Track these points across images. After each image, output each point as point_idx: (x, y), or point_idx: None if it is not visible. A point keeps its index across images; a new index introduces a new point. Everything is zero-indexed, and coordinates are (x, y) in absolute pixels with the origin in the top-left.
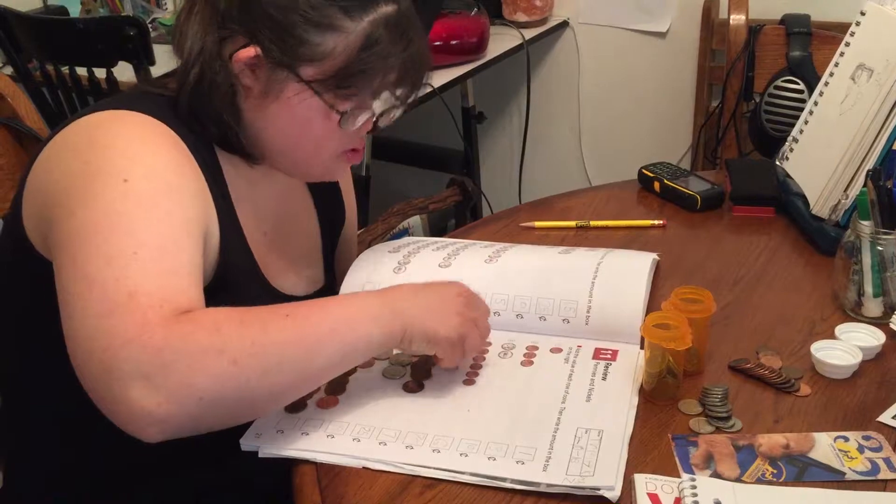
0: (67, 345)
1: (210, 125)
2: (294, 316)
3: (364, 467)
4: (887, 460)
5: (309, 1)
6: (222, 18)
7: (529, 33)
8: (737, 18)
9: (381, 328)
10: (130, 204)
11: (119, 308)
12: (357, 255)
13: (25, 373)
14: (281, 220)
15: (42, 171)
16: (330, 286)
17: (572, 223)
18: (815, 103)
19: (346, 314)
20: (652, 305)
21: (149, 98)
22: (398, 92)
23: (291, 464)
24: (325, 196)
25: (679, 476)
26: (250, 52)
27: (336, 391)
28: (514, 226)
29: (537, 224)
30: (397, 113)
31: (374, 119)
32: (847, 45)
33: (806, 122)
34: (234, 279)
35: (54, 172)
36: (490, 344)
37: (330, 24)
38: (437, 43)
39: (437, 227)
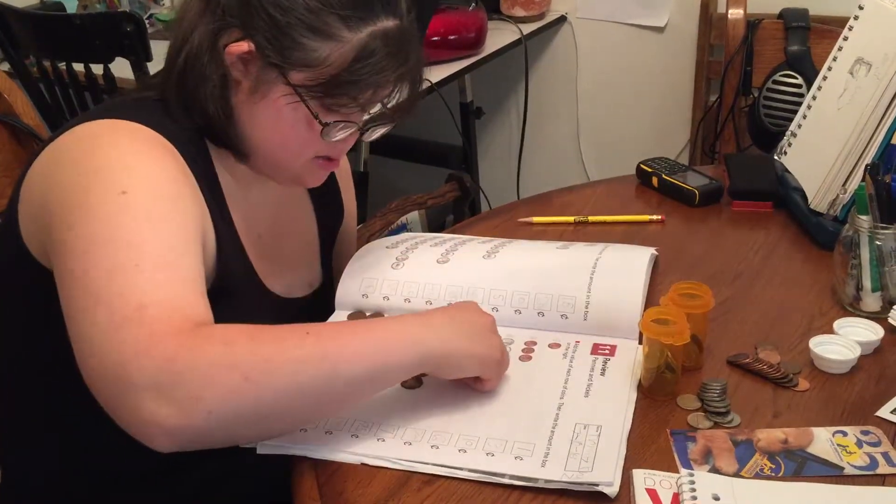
0: (77, 356)
1: (197, 115)
2: (316, 334)
3: (362, 463)
4: (886, 455)
5: (308, 5)
6: (222, 10)
7: (527, 28)
8: (735, 13)
9: (420, 352)
10: (130, 216)
11: (127, 321)
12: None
13: (22, 373)
14: (276, 221)
15: (38, 182)
16: (328, 286)
17: (570, 218)
18: (814, 98)
19: (377, 337)
20: (650, 300)
21: (141, 105)
22: (387, 109)
23: (290, 460)
24: (322, 194)
25: (677, 471)
26: (243, 46)
27: None
28: (512, 221)
29: (535, 219)
30: (383, 130)
31: (361, 134)
32: (845, 39)
33: (804, 117)
34: (230, 284)
35: (51, 184)
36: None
37: (327, 31)
38: (435, 38)
39: (436, 223)
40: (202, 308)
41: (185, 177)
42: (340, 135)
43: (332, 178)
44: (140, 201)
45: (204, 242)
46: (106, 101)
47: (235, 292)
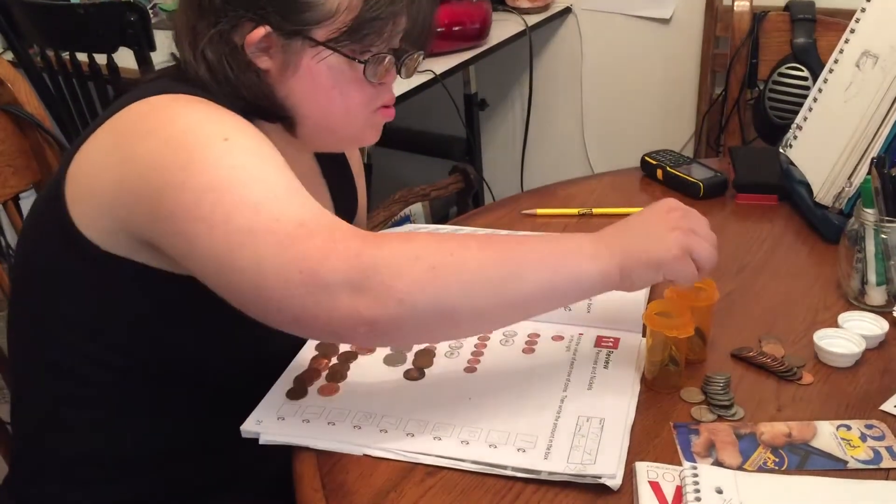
0: (242, 300)
1: (248, 107)
2: (496, 239)
3: (365, 454)
4: (889, 449)
5: None
6: (220, 10)
7: (532, 20)
8: (741, 5)
9: (599, 267)
10: (245, 157)
11: (299, 236)
12: None
13: (39, 359)
14: None
15: (102, 162)
16: None
17: (575, 210)
18: (820, 90)
19: (557, 248)
20: (654, 293)
21: (184, 83)
22: (413, 36)
23: (292, 451)
24: (340, 185)
25: (681, 464)
26: (260, 32)
27: (337, 378)
28: (516, 213)
29: (539, 211)
30: (419, 58)
31: (398, 69)
32: (852, 31)
33: (810, 110)
34: None
35: (129, 161)
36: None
37: None
38: (440, 29)
39: (439, 215)
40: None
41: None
42: (381, 67)
43: (347, 170)
44: (245, 143)
45: None
46: (147, 81)
47: None
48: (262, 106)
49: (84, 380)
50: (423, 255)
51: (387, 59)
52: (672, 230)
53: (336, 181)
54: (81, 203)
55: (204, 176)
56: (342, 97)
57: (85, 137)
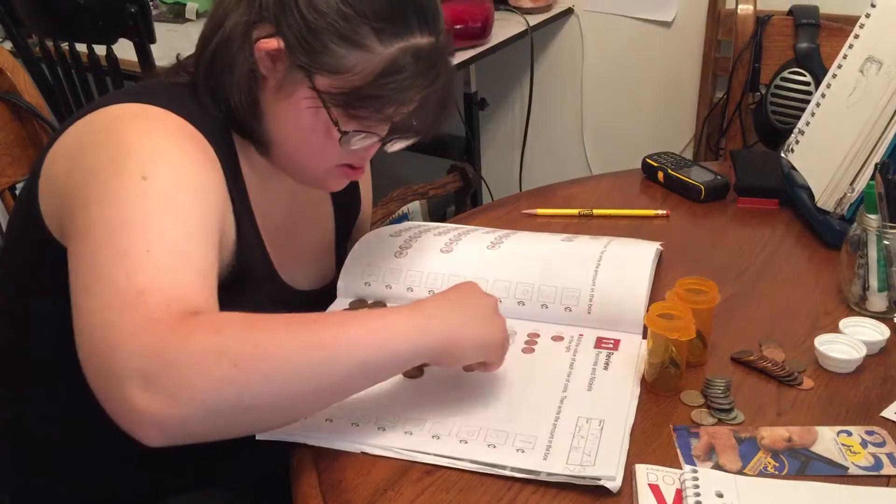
0: (76, 338)
1: (222, 104)
2: (312, 322)
3: (363, 452)
4: (890, 455)
5: (342, 11)
6: (259, 4)
7: (534, 20)
8: (744, 8)
9: (417, 346)
10: (148, 202)
11: (126, 305)
12: None
13: (19, 351)
14: (293, 214)
15: (62, 161)
16: None
17: (575, 211)
18: (823, 95)
19: (376, 326)
20: (655, 295)
21: (172, 90)
22: (413, 124)
23: (289, 447)
24: (342, 190)
25: (680, 467)
26: (273, 43)
27: None
28: (515, 213)
29: (539, 211)
30: (405, 143)
31: (383, 145)
32: (856, 37)
33: (812, 115)
34: (248, 273)
35: (75, 165)
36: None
37: (357, 40)
38: None
39: (437, 213)
40: (206, 299)
41: (212, 167)
42: (359, 144)
43: None
44: (160, 188)
45: (223, 233)
46: (137, 83)
47: (252, 282)
48: (242, 118)
49: (69, 373)
50: (228, 350)
51: (368, 142)
52: (496, 315)
53: None
54: (46, 194)
55: (105, 209)
56: (314, 145)
57: (63, 129)
